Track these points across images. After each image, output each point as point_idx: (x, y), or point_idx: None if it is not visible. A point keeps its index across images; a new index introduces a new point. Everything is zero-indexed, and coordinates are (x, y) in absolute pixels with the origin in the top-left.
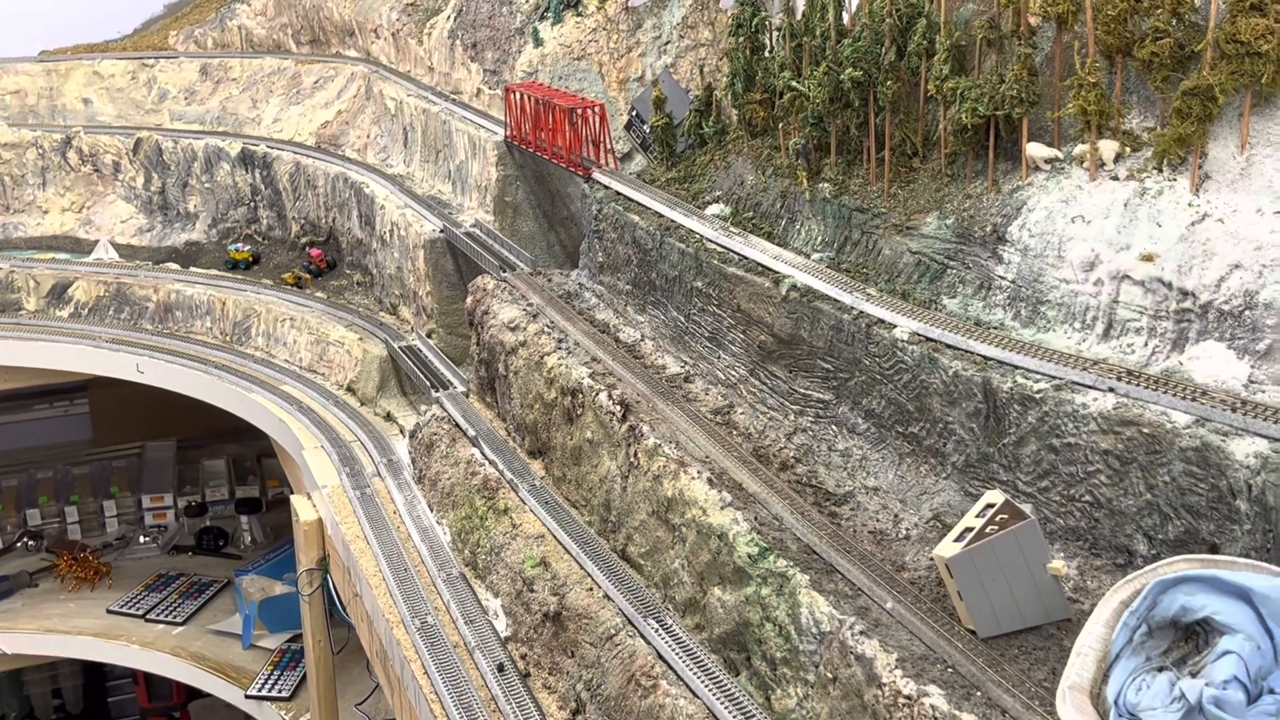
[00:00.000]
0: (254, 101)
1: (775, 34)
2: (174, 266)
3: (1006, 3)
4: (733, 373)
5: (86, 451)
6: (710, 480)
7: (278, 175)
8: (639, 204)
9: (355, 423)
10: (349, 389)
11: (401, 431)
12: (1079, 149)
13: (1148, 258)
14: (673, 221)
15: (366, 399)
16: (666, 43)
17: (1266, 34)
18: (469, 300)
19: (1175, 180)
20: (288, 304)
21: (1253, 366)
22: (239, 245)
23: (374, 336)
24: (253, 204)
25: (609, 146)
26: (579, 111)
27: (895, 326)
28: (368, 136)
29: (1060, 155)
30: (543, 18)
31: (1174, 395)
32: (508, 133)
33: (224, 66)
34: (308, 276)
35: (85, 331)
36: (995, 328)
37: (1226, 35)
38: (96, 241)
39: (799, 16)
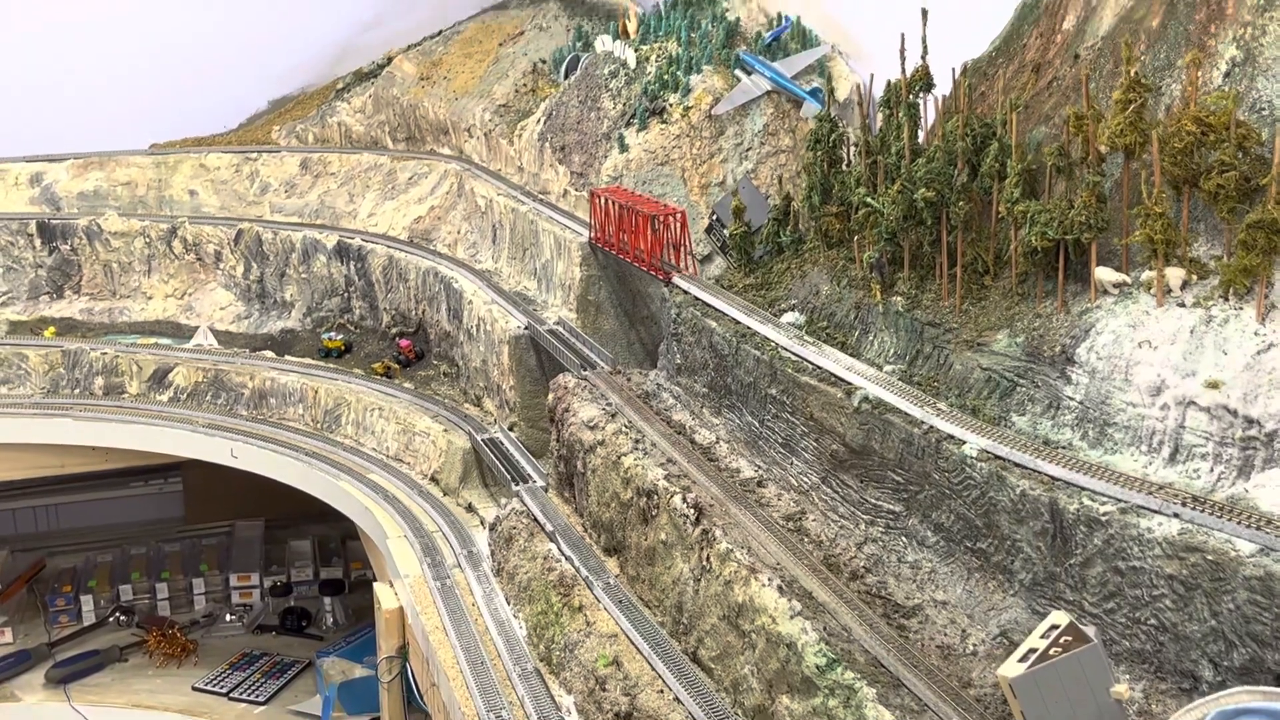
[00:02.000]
0: (351, 195)
1: (852, 149)
2: (269, 354)
3: (1075, 131)
4: (805, 479)
5: (178, 529)
6: (780, 588)
7: (371, 267)
8: (716, 310)
9: (438, 513)
10: (433, 479)
11: (482, 523)
12: (1146, 275)
13: (1213, 385)
14: (749, 328)
15: (449, 489)
16: (748, 149)
17: None
18: (550, 397)
19: (1241, 309)
20: (377, 394)
21: None
22: (332, 334)
23: (458, 428)
24: (346, 294)
25: (689, 251)
26: (661, 218)
27: (964, 443)
28: (458, 232)
29: (1128, 280)
30: (629, 124)
31: (1238, 523)
32: (592, 234)
33: (323, 161)
34: (397, 367)
35: (183, 416)
36: (1063, 447)
37: None
38: (197, 328)
39: (875, 133)
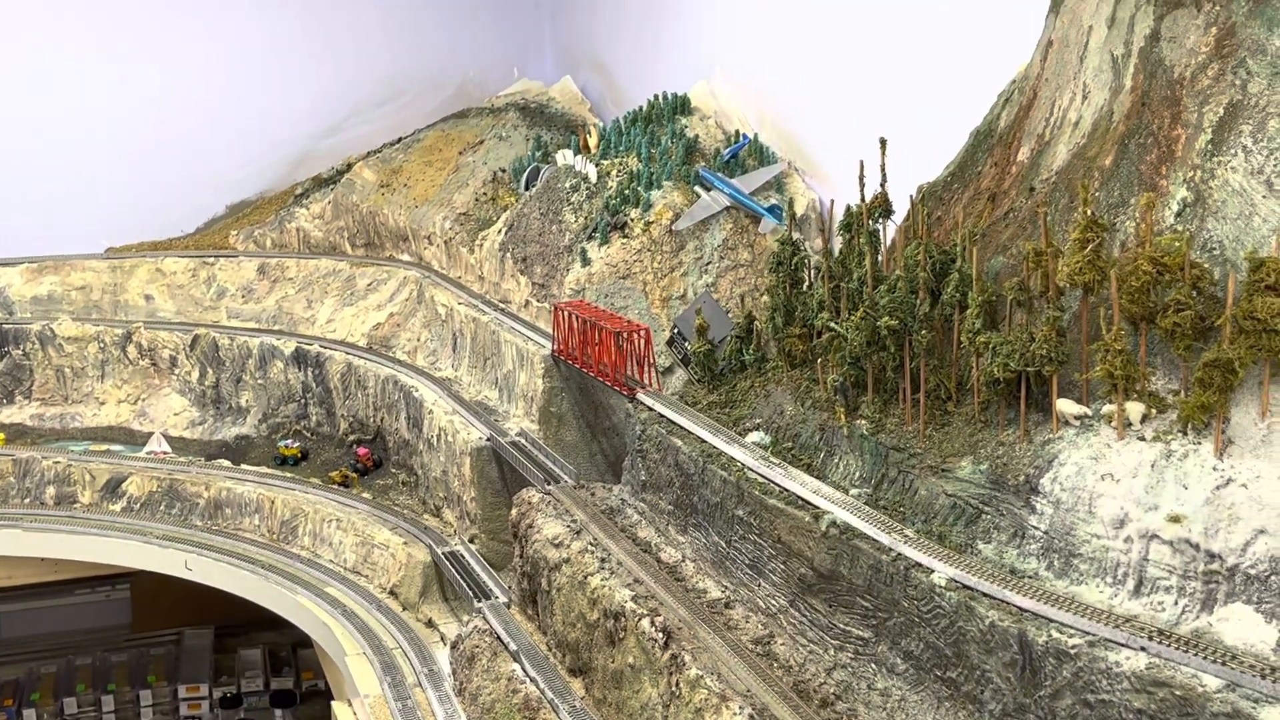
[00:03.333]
0: (309, 301)
1: (813, 272)
2: (225, 463)
3: (1035, 266)
4: (773, 602)
5: (125, 637)
6: (751, 716)
7: (329, 374)
8: (682, 428)
9: (397, 629)
10: (392, 593)
11: (443, 640)
12: (1107, 408)
13: (1175, 519)
14: (715, 448)
15: (409, 604)
16: (708, 263)
17: None
18: (514, 512)
19: (1200, 444)
20: (334, 504)
21: None
22: (288, 441)
23: (418, 540)
24: (303, 401)
25: (653, 367)
26: (625, 334)
27: (933, 571)
28: (418, 340)
29: (1089, 413)
30: (590, 238)
31: (1205, 658)
32: (555, 347)
33: (281, 266)
34: (354, 475)
35: (137, 526)
36: (1029, 577)
37: (1244, 313)
38: (150, 434)
39: (834, 254)
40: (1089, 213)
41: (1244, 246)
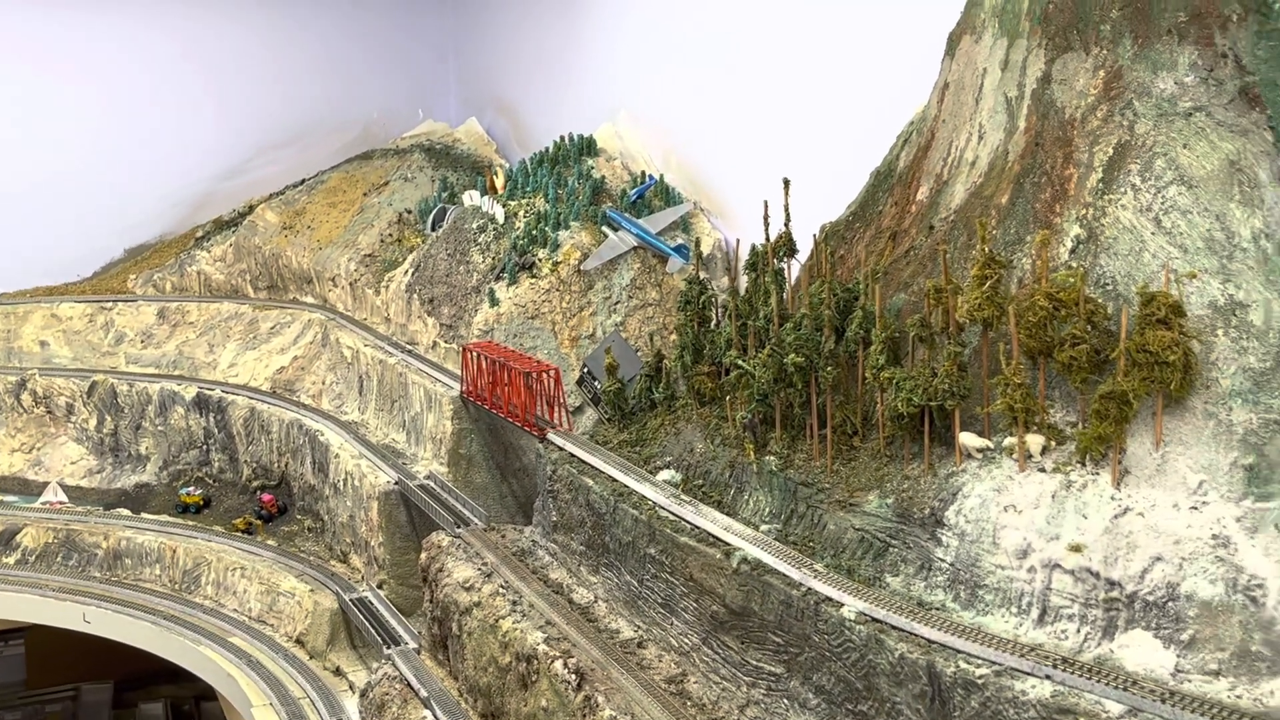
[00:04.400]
0: (210, 345)
1: (721, 310)
2: (125, 512)
3: (935, 303)
4: (685, 640)
5: (20, 695)
6: None
7: (231, 419)
8: (593, 467)
9: (305, 678)
10: (299, 641)
11: (351, 688)
12: (1008, 441)
13: (1076, 548)
14: (626, 487)
15: (316, 652)
16: (616, 302)
17: (1172, 345)
18: (423, 556)
19: (1098, 474)
20: (238, 552)
21: (1179, 656)
22: (190, 489)
23: (325, 588)
24: (205, 447)
25: (564, 406)
26: (535, 375)
27: (843, 605)
28: (323, 383)
29: (991, 445)
30: (499, 278)
31: (1107, 684)
32: (464, 388)
33: (181, 310)
34: (259, 522)
35: (32, 579)
36: (937, 609)
37: (1137, 345)
38: (46, 484)
39: (742, 293)
40: (986, 250)
41: (1135, 281)
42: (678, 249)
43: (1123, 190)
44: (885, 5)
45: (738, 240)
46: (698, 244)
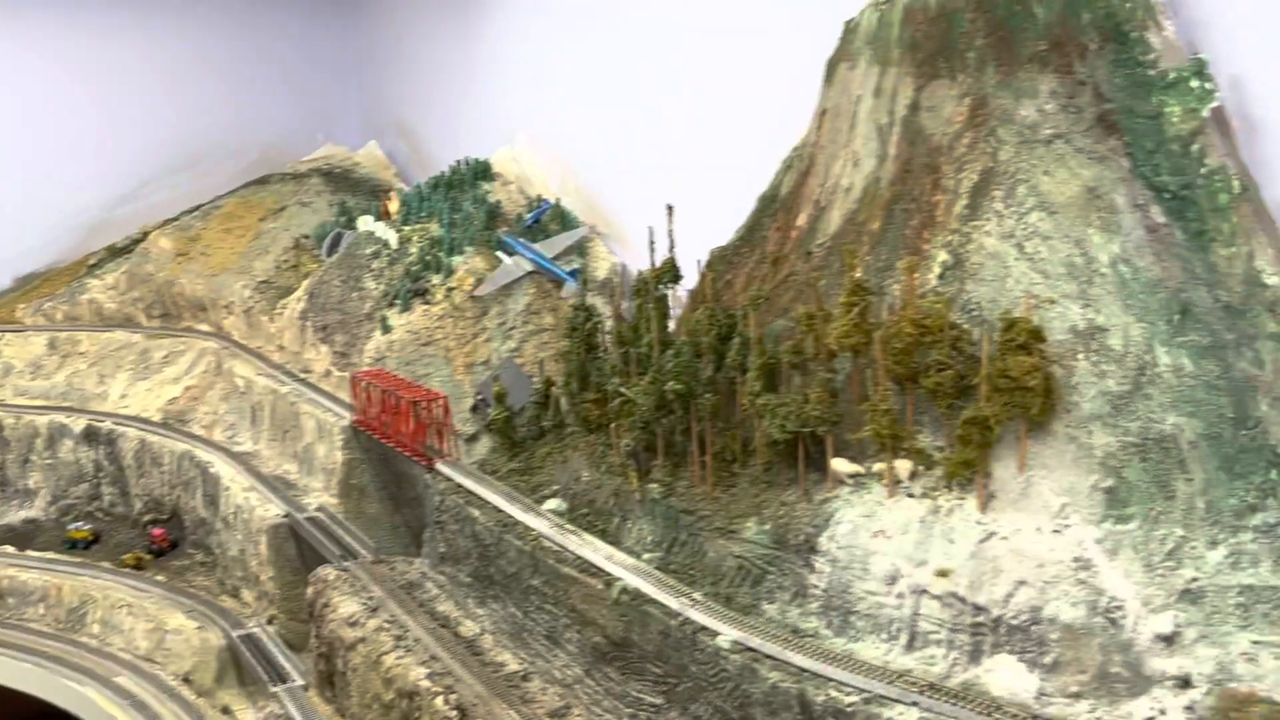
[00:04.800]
0: (101, 376)
1: (608, 337)
2: (9, 549)
3: (808, 329)
4: (569, 672)
5: None
6: None
7: (122, 452)
8: (480, 497)
9: (191, 718)
10: (186, 680)
11: None
12: (878, 466)
13: (943, 573)
14: (511, 517)
15: (204, 691)
16: (511, 328)
17: (1033, 371)
18: (310, 591)
19: (964, 499)
20: (126, 589)
21: (1042, 680)
22: (79, 524)
23: (214, 624)
24: (95, 481)
25: (453, 435)
26: (423, 403)
27: (718, 634)
28: (216, 413)
29: (863, 471)
30: (391, 305)
31: (973, 710)
32: (354, 418)
33: (72, 340)
34: (149, 557)
35: None
36: (810, 636)
37: (999, 371)
38: None
39: (630, 319)
40: (854, 277)
41: (1000, 307)
42: (574, 274)
43: (987, 216)
44: (777, 32)
45: (624, 266)
46: (584, 269)
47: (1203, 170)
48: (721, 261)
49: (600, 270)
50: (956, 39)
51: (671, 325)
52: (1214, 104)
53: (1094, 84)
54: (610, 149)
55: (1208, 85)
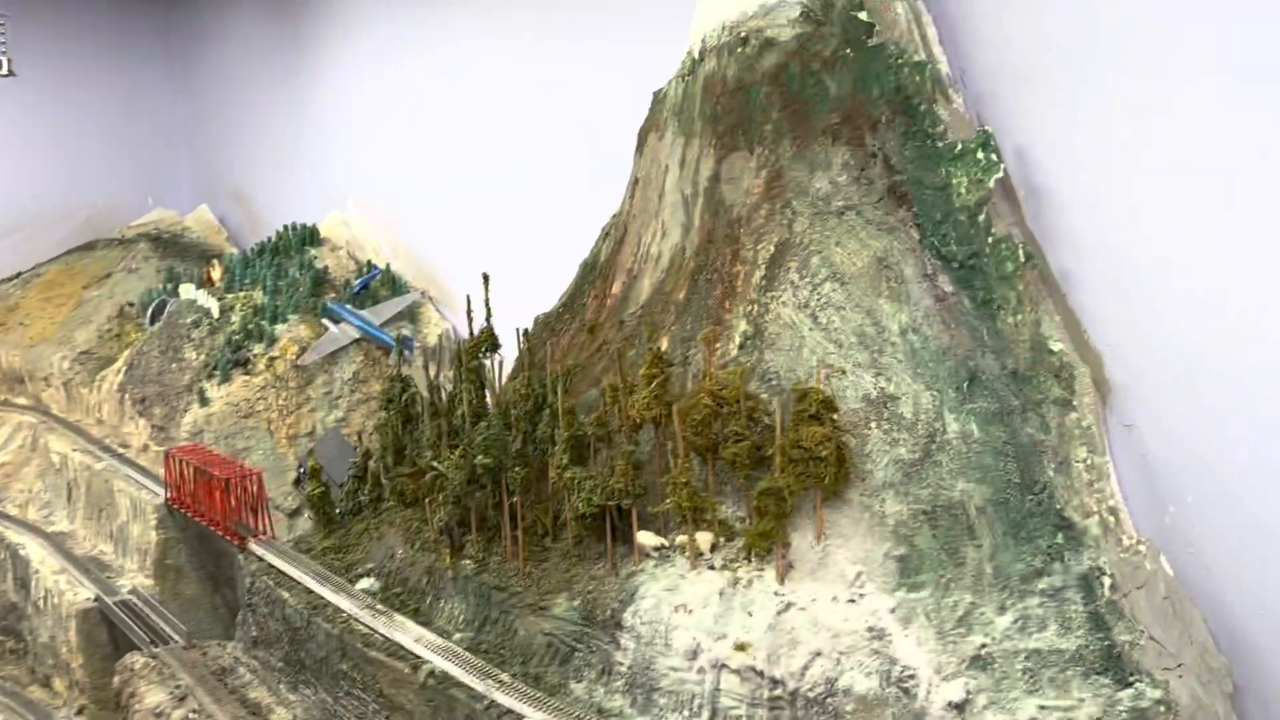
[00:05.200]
0: None
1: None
2: None
3: (612, 401)
4: None
5: None
6: None
7: None
8: (290, 578)
9: None
10: None
11: None
12: (681, 538)
13: (741, 647)
14: (321, 599)
15: None
16: (338, 398)
17: (824, 441)
18: (116, 680)
19: (764, 570)
20: None
21: None
22: None
23: (20, 717)
24: None
25: (267, 513)
26: (235, 481)
27: (524, 718)
28: (31, 491)
29: (666, 543)
30: (210, 376)
31: None
32: (169, 495)
33: None
34: None
35: None
36: (615, 715)
37: (792, 441)
38: None
39: (445, 393)
40: (654, 349)
41: (796, 376)
42: (403, 340)
43: (783, 287)
44: (597, 100)
45: (454, 331)
46: (399, 339)
47: (989, 239)
48: (545, 329)
49: (430, 337)
50: (754, 112)
51: (494, 397)
52: (999, 174)
53: (884, 156)
54: (440, 214)
55: (993, 156)
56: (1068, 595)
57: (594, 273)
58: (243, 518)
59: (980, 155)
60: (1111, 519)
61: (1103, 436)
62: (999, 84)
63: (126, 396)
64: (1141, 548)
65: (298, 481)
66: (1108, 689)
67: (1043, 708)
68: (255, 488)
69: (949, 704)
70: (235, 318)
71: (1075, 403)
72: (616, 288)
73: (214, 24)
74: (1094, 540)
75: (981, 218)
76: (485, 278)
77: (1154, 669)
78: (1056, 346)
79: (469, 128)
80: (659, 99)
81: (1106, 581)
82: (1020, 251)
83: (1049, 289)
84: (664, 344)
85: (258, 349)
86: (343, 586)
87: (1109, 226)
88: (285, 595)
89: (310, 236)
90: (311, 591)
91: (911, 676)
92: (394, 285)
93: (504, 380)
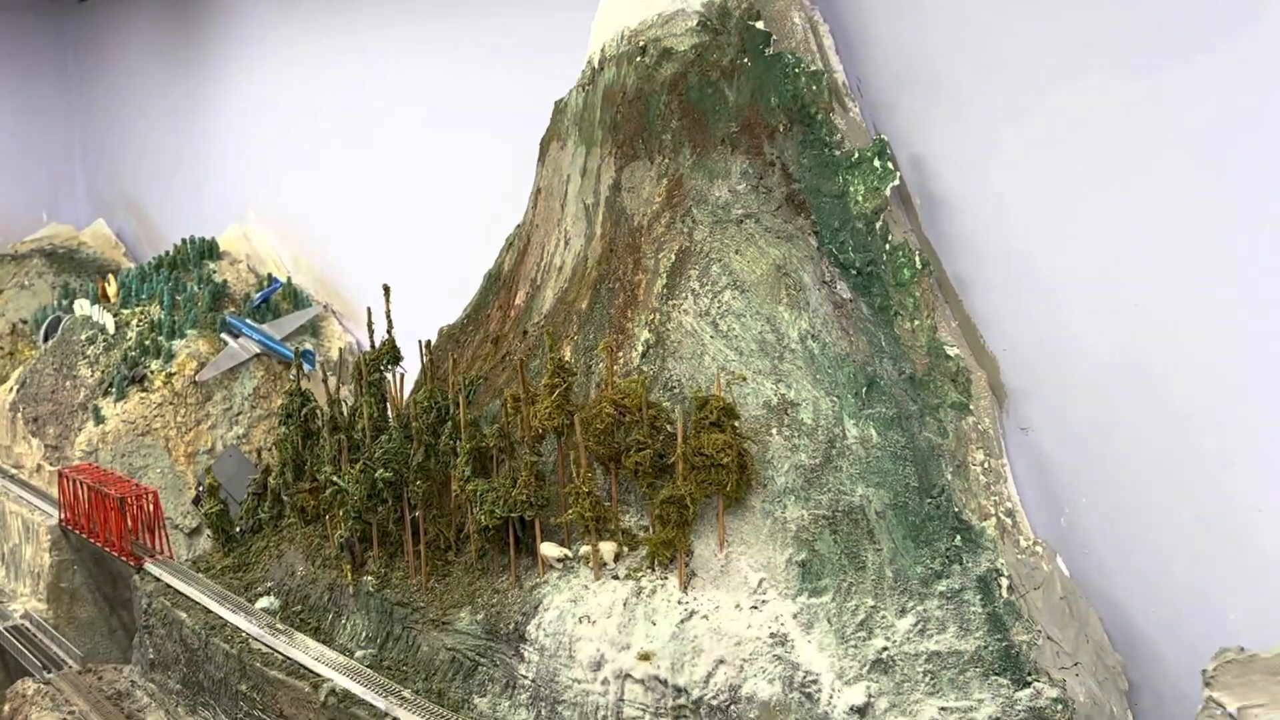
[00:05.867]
0: None
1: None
2: None
3: (514, 412)
4: None
5: None
6: None
7: None
8: (187, 598)
9: None
10: None
11: None
12: (584, 549)
13: (645, 656)
14: (219, 618)
15: None
16: (238, 414)
17: (725, 448)
18: (6, 708)
19: (667, 579)
20: None
21: None
22: None
23: None
24: None
25: (165, 533)
26: (129, 500)
27: None
28: None
29: (570, 554)
30: (106, 394)
31: None
32: (63, 516)
33: None
34: None
35: None
36: None
37: (693, 449)
38: None
39: (345, 406)
40: (555, 358)
41: (698, 384)
42: (305, 355)
43: (684, 295)
44: (499, 110)
45: (357, 344)
46: (297, 353)
47: (886, 247)
48: (449, 341)
49: (333, 351)
50: (654, 120)
51: (396, 411)
52: (895, 183)
53: (783, 164)
54: (343, 227)
55: (889, 165)
56: (966, 597)
57: (498, 283)
58: (139, 537)
59: (876, 164)
60: (1009, 521)
61: (1000, 440)
62: (895, 93)
63: (19, 416)
64: (1038, 549)
65: (196, 500)
66: (1006, 689)
67: (943, 709)
68: (152, 507)
69: (851, 708)
70: (131, 334)
71: (972, 407)
72: (520, 298)
73: (112, 36)
74: (991, 542)
75: (879, 225)
76: (386, 289)
77: (1051, 668)
78: (953, 352)
79: (371, 139)
80: (560, 108)
81: (1004, 583)
82: (916, 258)
83: (946, 295)
84: (567, 353)
85: (155, 365)
86: (242, 605)
87: (1001, 233)
88: (183, 616)
89: (209, 250)
90: (210, 611)
91: (814, 682)
92: (295, 299)
93: (407, 393)
